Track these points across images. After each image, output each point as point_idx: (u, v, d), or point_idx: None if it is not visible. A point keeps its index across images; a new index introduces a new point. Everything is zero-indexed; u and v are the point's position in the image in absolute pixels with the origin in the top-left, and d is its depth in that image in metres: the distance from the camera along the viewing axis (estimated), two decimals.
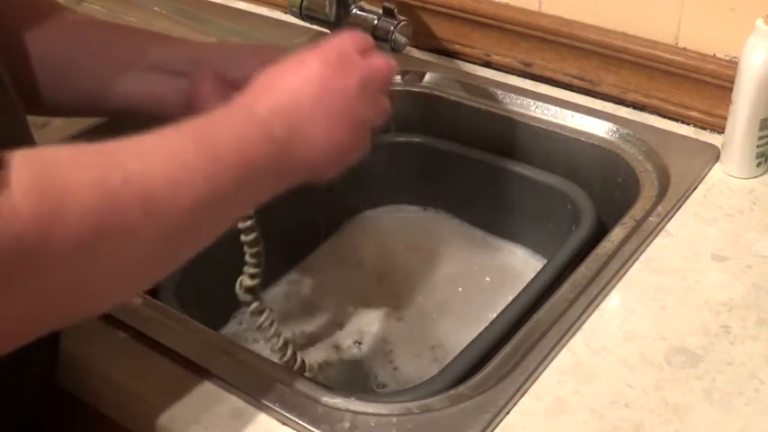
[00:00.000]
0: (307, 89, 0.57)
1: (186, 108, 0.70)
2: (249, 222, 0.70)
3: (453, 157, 0.97)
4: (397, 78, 1.00)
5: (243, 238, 0.70)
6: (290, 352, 0.73)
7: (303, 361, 0.73)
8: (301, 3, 0.98)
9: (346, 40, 0.61)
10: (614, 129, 0.88)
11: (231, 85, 0.70)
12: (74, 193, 0.44)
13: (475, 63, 1.01)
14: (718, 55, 0.85)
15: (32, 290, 0.43)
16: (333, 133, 0.58)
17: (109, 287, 0.48)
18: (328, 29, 0.99)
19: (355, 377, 0.84)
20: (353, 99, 0.59)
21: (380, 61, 0.62)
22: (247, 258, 0.71)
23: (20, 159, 0.43)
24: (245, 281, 0.72)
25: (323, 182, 0.61)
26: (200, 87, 0.69)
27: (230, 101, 0.56)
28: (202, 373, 0.63)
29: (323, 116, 0.58)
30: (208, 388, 0.62)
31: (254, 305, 0.73)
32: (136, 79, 0.70)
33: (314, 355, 0.86)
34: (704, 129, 0.87)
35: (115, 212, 0.45)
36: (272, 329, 0.73)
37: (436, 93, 0.98)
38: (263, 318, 0.73)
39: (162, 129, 0.51)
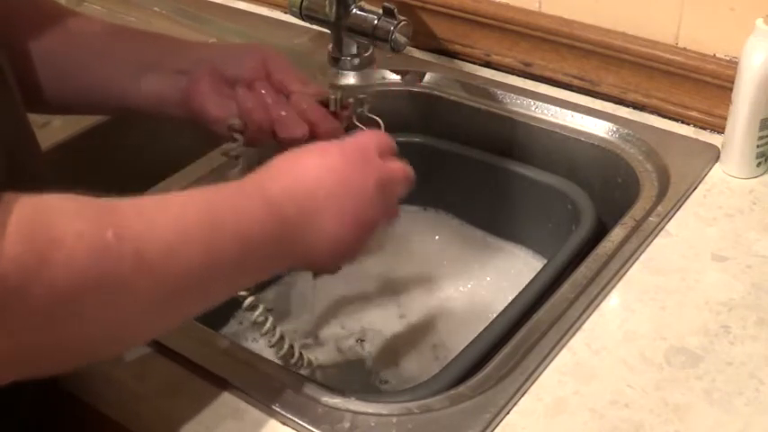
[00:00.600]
0: (324, 180, 0.57)
1: (185, 106, 0.70)
2: None
3: (453, 157, 0.97)
4: (397, 78, 1.00)
5: None
6: (286, 346, 0.72)
7: (301, 354, 0.73)
8: (301, 3, 0.98)
9: (370, 140, 0.61)
10: (614, 129, 0.88)
11: (229, 83, 0.70)
12: (61, 242, 0.43)
13: (475, 63, 1.01)
14: (718, 55, 0.85)
15: (12, 332, 0.42)
16: (341, 229, 0.58)
17: (97, 339, 0.47)
18: (328, 29, 0.99)
19: (356, 376, 0.84)
20: (368, 199, 0.59)
21: (399, 167, 0.62)
22: None
23: (17, 202, 0.43)
24: None
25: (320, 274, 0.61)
26: (198, 85, 0.69)
27: (244, 179, 0.56)
28: (203, 373, 0.63)
29: (335, 210, 0.57)
30: (208, 388, 0.62)
31: (249, 300, 0.73)
32: (135, 78, 0.70)
33: (314, 354, 0.86)
34: (704, 129, 0.87)
35: (103, 266, 0.44)
36: (268, 324, 0.73)
37: (436, 93, 0.98)
38: (257, 313, 0.73)
39: (168, 193, 0.51)
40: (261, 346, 0.80)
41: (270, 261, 0.55)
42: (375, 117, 0.74)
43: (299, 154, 0.58)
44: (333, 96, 0.71)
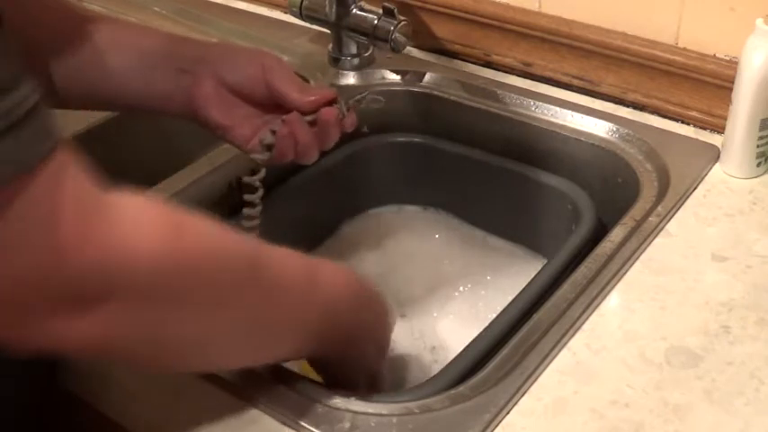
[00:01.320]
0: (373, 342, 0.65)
1: (188, 107, 0.70)
2: (254, 223, 0.70)
3: (453, 157, 0.97)
4: (397, 78, 1.00)
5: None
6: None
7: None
8: (301, 3, 0.98)
9: None
10: (614, 129, 0.88)
11: (229, 89, 0.70)
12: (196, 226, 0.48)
13: (475, 63, 1.01)
14: (718, 55, 0.85)
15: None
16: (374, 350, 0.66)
17: (190, 344, 0.50)
18: (328, 29, 0.99)
19: None
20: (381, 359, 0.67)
21: None
22: (244, 222, 0.72)
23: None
24: None
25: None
26: (201, 88, 0.69)
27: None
28: (202, 373, 0.63)
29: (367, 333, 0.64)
30: (208, 388, 0.62)
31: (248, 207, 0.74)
32: (139, 76, 0.70)
33: None
34: (704, 129, 0.87)
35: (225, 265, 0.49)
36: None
37: (436, 93, 0.98)
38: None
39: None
40: None
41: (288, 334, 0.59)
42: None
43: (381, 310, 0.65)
44: (337, 106, 0.71)
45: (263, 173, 0.71)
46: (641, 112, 0.90)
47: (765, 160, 0.80)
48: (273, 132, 0.69)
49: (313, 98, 0.70)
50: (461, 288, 0.93)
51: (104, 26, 0.70)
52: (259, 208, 0.72)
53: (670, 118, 0.89)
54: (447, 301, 0.91)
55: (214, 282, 0.48)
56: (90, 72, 0.69)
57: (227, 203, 0.84)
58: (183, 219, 0.47)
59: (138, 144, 0.95)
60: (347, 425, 0.58)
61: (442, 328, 0.88)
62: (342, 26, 0.96)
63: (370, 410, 0.59)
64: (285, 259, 0.55)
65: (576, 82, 0.94)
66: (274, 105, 0.71)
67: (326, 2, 0.96)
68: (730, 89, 0.79)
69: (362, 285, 0.62)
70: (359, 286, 0.62)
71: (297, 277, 0.55)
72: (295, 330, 0.57)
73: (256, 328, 0.53)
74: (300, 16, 0.99)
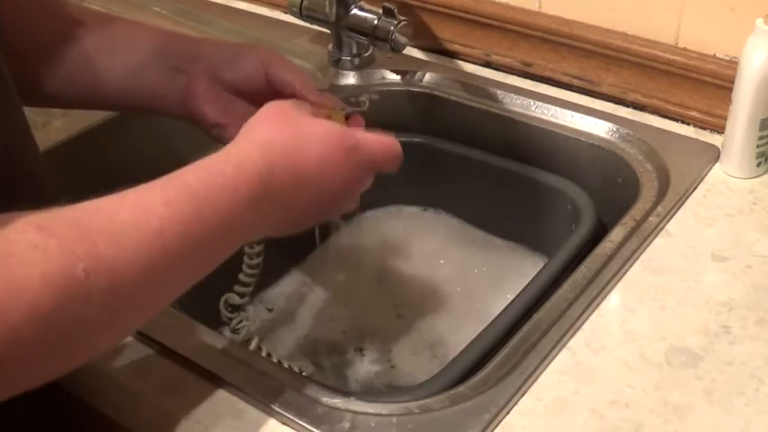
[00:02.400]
0: (315, 185, 0.58)
1: (183, 107, 0.70)
2: (257, 248, 0.70)
3: (453, 157, 0.97)
4: (397, 78, 1.00)
5: (247, 256, 0.70)
6: (274, 361, 0.73)
7: (290, 367, 0.73)
8: (301, 3, 0.98)
9: (378, 147, 0.64)
10: (614, 129, 0.88)
11: (226, 87, 0.69)
12: (24, 290, 0.41)
13: (475, 63, 1.01)
14: (718, 55, 0.85)
15: None
16: (309, 219, 0.60)
17: (55, 364, 0.46)
18: (328, 29, 0.99)
19: (355, 375, 0.84)
20: (349, 197, 0.62)
21: (384, 154, 0.65)
22: (241, 277, 0.71)
23: None
24: (233, 298, 0.72)
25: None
26: (196, 87, 0.69)
27: (241, 155, 0.55)
28: (203, 373, 0.63)
29: (312, 209, 0.59)
30: (208, 388, 0.62)
31: (234, 323, 0.74)
32: (132, 76, 0.69)
33: (313, 354, 0.86)
34: (704, 129, 0.87)
35: (69, 310, 0.42)
36: (253, 344, 0.73)
37: (436, 93, 0.98)
38: (241, 336, 0.74)
39: (153, 190, 0.49)
40: None
41: (236, 245, 0.55)
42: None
43: (306, 144, 0.57)
44: (340, 109, 0.70)
45: None
46: (641, 112, 0.90)
47: (765, 160, 0.80)
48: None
49: (316, 92, 0.69)
50: (461, 288, 0.93)
51: (96, 26, 0.70)
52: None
53: (670, 118, 0.89)
54: (447, 300, 0.91)
55: (64, 331, 0.43)
56: (83, 74, 0.69)
57: None
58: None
59: (137, 144, 0.95)
60: (347, 425, 0.58)
61: (441, 328, 0.88)
62: (342, 26, 0.96)
63: (370, 410, 0.59)
64: (156, 260, 0.47)
65: (575, 82, 0.94)
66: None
67: (326, 2, 0.96)
68: (730, 89, 0.79)
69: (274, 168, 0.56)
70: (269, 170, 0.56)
71: (170, 271, 0.49)
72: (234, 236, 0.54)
73: (195, 260, 0.51)
74: (300, 16, 0.99)
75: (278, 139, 0.56)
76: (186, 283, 0.52)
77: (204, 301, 0.80)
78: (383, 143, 0.64)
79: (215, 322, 0.86)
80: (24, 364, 0.43)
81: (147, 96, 0.70)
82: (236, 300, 0.73)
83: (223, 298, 0.73)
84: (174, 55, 0.69)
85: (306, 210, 0.59)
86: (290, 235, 0.61)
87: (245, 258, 0.70)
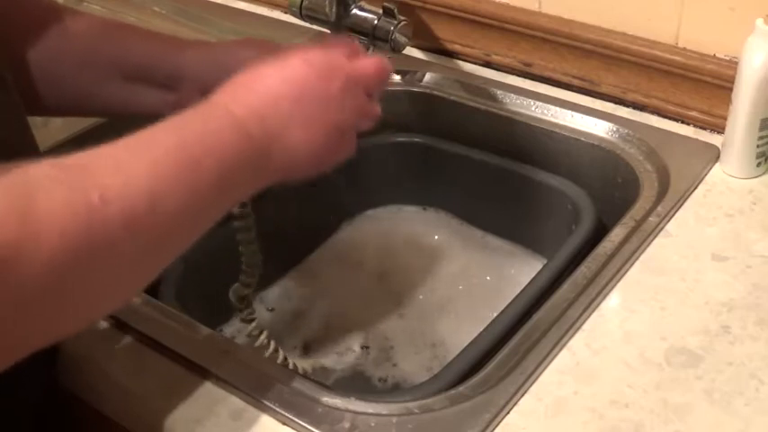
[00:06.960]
0: (286, 91, 0.57)
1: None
2: (246, 222, 0.70)
3: (453, 157, 0.97)
4: (397, 78, 1.00)
5: (238, 231, 0.69)
6: (280, 358, 0.73)
7: (296, 366, 0.73)
8: (301, 3, 0.98)
9: (333, 46, 0.61)
10: (614, 129, 0.88)
11: None
12: (52, 216, 0.42)
13: (475, 63, 1.01)
14: (718, 55, 0.85)
15: (10, 306, 0.42)
16: (310, 137, 0.58)
17: (90, 303, 0.47)
18: (328, 29, 0.99)
19: (355, 375, 0.84)
20: (333, 103, 0.58)
21: (368, 63, 0.61)
22: (244, 267, 0.71)
23: None
24: (240, 290, 0.72)
25: (304, 180, 0.60)
26: (187, 101, 0.68)
27: (207, 99, 0.55)
28: (202, 372, 0.63)
29: (301, 119, 0.57)
30: (208, 388, 0.62)
31: (245, 313, 0.74)
32: (120, 88, 0.69)
33: (313, 354, 0.86)
34: (704, 129, 0.87)
35: (96, 233, 0.44)
36: (262, 337, 0.73)
37: (436, 93, 0.98)
38: (251, 327, 0.74)
39: (137, 134, 0.50)
40: None
41: (248, 183, 0.55)
42: None
43: (259, 68, 0.58)
44: None
45: None
46: (641, 113, 0.90)
47: (765, 160, 0.80)
48: None
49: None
50: (461, 287, 0.93)
51: (83, 36, 0.69)
52: (248, 208, 0.71)
53: (670, 118, 0.89)
54: (447, 300, 0.91)
55: (92, 256, 0.45)
56: (70, 88, 0.68)
57: None
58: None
59: None
60: (347, 425, 0.58)
61: (441, 328, 0.88)
62: (342, 26, 0.96)
63: (370, 410, 0.59)
64: (159, 187, 0.49)
65: (576, 82, 0.94)
66: None
67: (326, 2, 0.95)
68: (730, 89, 0.79)
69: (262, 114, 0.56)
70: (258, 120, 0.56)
71: (174, 197, 0.50)
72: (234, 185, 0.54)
73: (198, 209, 0.51)
74: (300, 16, 0.99)
75: (232, 81, 0.57)
76: (199, 213, 0.52)
77: (204, 301, 0.80)
78: (330, 41, 0.62)
79: (215, 322, 0.86)
80: (61, 290, 0.44)
81: (137, 111, 0.69)
82: (242, 290, 0.72)
83: (231, 290, 0.73)
84: (160, 72, 0.68)
85: (301, 130, 0.57)
86: (310, 173, 0.59)
87: (235, 223, 0.69)
